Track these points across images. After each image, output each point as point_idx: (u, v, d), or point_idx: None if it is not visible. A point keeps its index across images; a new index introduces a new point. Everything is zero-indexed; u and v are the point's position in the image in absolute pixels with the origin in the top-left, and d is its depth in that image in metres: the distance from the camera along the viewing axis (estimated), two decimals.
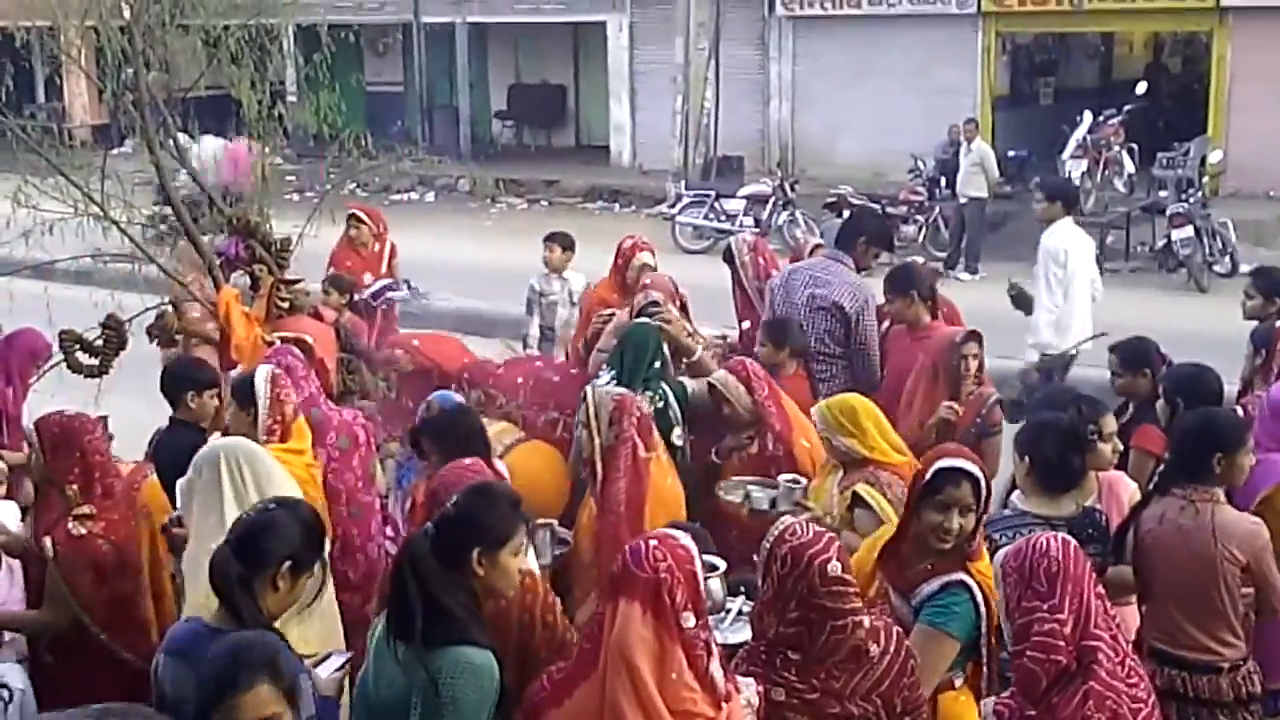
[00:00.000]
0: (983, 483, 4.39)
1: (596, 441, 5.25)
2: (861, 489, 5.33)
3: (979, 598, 4.27)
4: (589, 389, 5.50)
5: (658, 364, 6.47)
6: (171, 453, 6.24)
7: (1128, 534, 4.94)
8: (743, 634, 4.27)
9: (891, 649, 3.81)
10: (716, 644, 3.68)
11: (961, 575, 4.31)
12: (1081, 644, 3.68)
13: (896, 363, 7.11)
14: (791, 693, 3.76)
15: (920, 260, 13.24)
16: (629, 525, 5.03)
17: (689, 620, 3.53)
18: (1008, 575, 3.79)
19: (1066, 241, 8.88)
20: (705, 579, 4.46)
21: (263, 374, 5.64)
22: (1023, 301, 8.88)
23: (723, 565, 4.64)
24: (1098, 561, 4.61)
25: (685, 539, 3.76)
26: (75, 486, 5.33)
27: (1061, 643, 3.65)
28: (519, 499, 4.11)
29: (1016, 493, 5.13)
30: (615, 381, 6.20)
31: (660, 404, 6.26)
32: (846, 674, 3.75)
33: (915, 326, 7.07)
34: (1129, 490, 5.41)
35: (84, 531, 5.21)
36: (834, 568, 3.73)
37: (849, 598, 3.75)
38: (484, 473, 4.94)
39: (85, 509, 5.27)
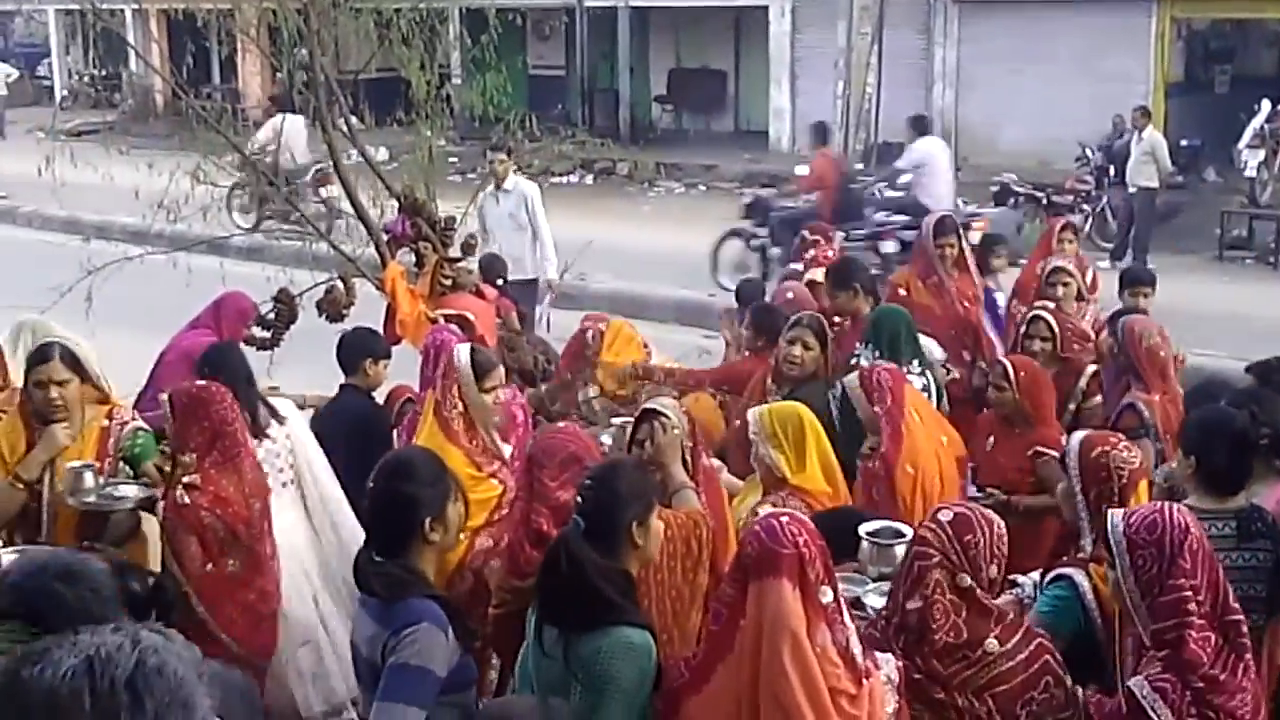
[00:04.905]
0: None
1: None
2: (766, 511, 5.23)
3: (1088, 599, 4.20)
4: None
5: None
6: (342, 417, 6.43)
7: None
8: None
9: (1022, 655, 3.70)
10: (853, 619, 3.64)
11: (1071, 572, 4.27)
12: (1224, 619, 3.65)
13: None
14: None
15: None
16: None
17: (827, 594, 3.48)
18: (1143, 547, 3.65)
19: (533, 190, 11.51)
20: (892, 545, 4.53)
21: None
22: None
23: (909, 532, 4.43)
24: (1269, 558, 4.47)
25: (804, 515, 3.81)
26: (194, 455, 5.18)
27: (1213, 621, 3.63)
28: (640, 463, 4.57)
29: (1165, 466, 4.98)
30: (878, 356, 6.47)
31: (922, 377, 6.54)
32: (957, 664, 3.67)
33: (857, 318, 7.42)
34: None
35: (188, 501, 5.11)
36: (944, 514, 3.79)
37: (929, 544, 3.74)
38: (579, 436, 4.96)
39: (193, 477, 5.14)
